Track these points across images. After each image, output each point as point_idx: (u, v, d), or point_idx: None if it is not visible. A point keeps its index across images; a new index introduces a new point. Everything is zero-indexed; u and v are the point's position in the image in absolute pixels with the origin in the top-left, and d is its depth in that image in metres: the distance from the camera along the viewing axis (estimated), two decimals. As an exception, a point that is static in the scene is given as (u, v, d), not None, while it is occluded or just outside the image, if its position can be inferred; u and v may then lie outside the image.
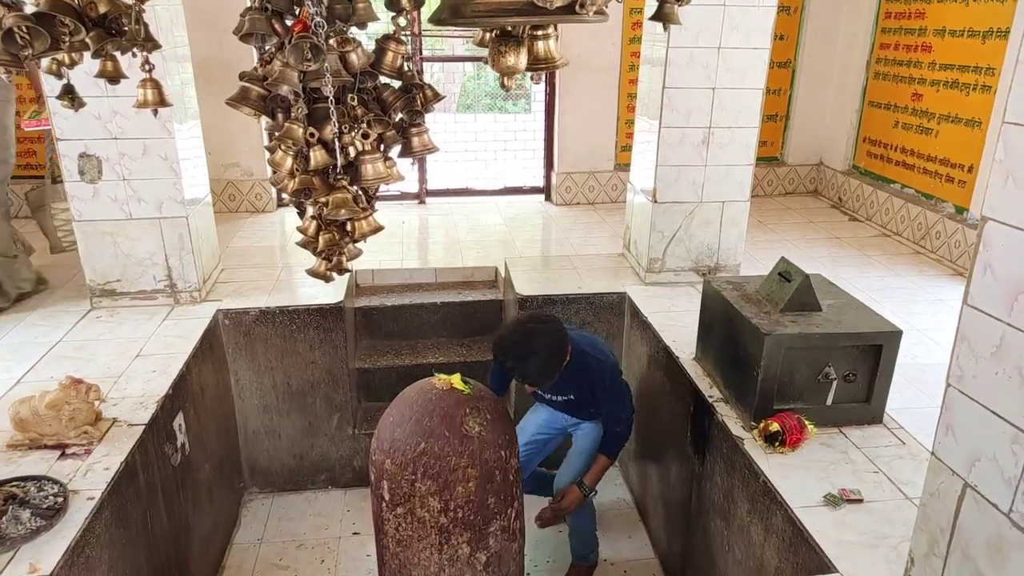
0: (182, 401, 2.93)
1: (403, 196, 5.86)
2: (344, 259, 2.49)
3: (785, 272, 2.68)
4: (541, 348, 2.67)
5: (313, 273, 2.56)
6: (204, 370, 3.24)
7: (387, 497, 2.53)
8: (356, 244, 2.52)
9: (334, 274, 2.57)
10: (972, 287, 1.51)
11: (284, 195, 2.22)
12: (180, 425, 2.88)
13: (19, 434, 2.39)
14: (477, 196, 6.06)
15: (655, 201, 3.71)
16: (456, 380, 2.56)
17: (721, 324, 2.78)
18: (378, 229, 2.41)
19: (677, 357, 3.06)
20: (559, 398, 3.04)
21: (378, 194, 2.48)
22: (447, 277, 4.46)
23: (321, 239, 2.29)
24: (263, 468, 3.83)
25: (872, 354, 2.49)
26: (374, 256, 4.55)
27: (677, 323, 3.38)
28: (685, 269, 3.87)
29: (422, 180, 5.81)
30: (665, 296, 3.71)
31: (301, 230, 2.32)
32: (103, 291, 3.49)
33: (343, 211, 2.15)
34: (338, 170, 2.13)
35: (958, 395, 1.55)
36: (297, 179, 2.13)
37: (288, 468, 3.85)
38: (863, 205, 5.38)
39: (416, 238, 5.06)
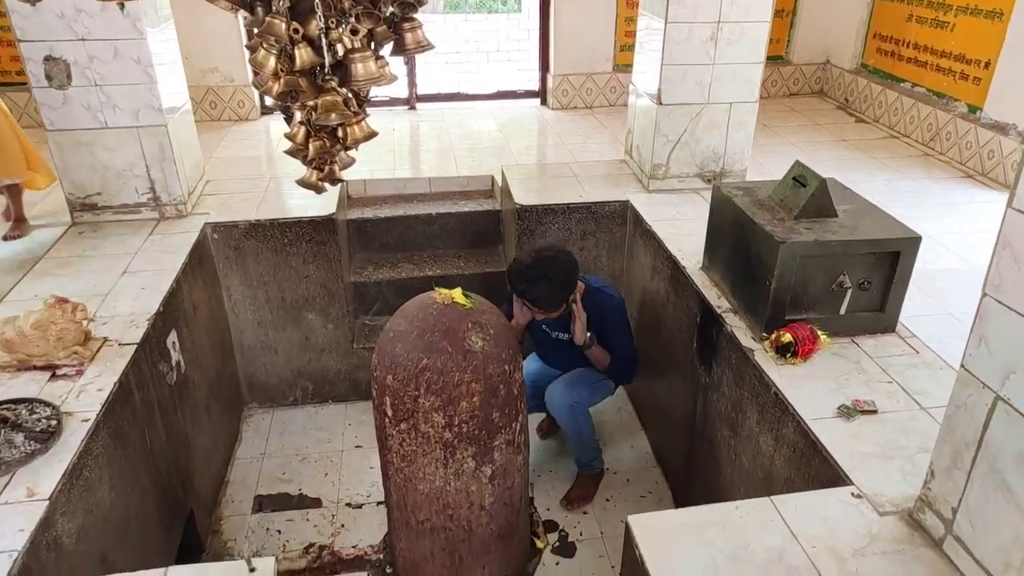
0: (174, 319, 2.84)
1: (392, 102, 5.61)
2: (337, 168, 2.35)
3: (800, 176, 2.55)
4: (554, 274, 2.68)
5: (304, 184, 2.41)
6: (195, 286, 3.14)
7: (390, 413, 2.48)
8: (349, 152, 2.37)
9: (326, 184, 2.43)
10: (1019, 190, 1.40)
11: (268, 99, 2.06)
12: (174, 343, 2.80)
13: (6, 355, 2.30)
14: (469, 101, 5.81)
15: (659, 103, 3.52)
16: (457, 294, 2.47)
17: (731, 232, 2.68)
18: (372, 135, 2.25)
19: (684, 267, 2.97)
20: (565, 335, 3.00)
21: (369, 98, 2.31)
22: (442, 187, 4.30)
23: (311, 147, 2.14)
24: (261, 383, 3.79)
25: (889, 261, 2.40)
26: (365, 166, 4.37)
27: (682, 231, 3.27)
28: (690, 175, 3.73)
29: (412, 84, 5.55)
30: (670, 203, 3.58)
31: (289, 137, 2.17)
32: (83, 205, 3.33)
33: (333, 115, 1.99)
34: (326, 70, 1.96)
35: (995, 305, 1.47)
36: (282, 80, 1.96)
37: (286, 383, 3.81)
38: (871, 106, 5.19)
39: (408, 146, 4.87)
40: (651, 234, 3.31)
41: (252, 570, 1.62)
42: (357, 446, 3.57)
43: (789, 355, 2.33)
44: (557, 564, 2.94)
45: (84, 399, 2.18)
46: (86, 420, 2.09)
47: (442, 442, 2.48)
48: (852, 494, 1.84)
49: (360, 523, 3.15)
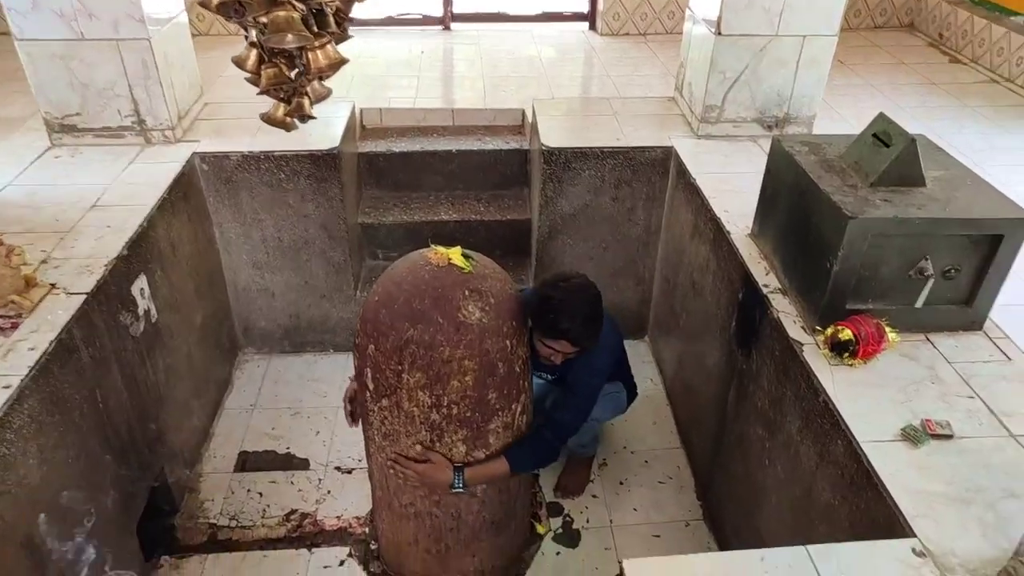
0: (144, 261, 2.53)
1: (425, 21, 5.11)
2: (307, 102, 1.95)
3: (883, 133, 2.05)
4: (594, 308, 2.17)
5: (269, 120, 2.02)
6: (176, 223, 2.82)
7: (371, 387, 2.16)
8: (322, 82, 1.97)
9: (296, 121, 2.04)
10: None
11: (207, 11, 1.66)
12: (142, 290, 2.51)
13: (-65, 301, 2.03)
14: (511, 23, 5.26)
15: (719, 33, 2.98)
16: (455, 255, 2.09)
17: (789, 196, 2.21)
18: (339, 62, 1.83)
19: (728, 232, 2.52)
20: (550, 377, 2.54)
21: (348, 16, 1.88)
22: (466, 120, 3.86)
23: (264, 75, 1.74)
24: (258, 327, 3.51)
25: (986, 245, 1.92)
26: (382, 92, 3.96)
27: (731, 188, 2.79)
28: (747, 120, 3.21)
29: (447, 1, 5.03)
30: (720, 152, 3.09)
31: (237, 62, 1.78)
32: (62, 126, 3.02)
33: (289, 36, 1.59)
34: (282, -26, 1.55)
35: None
36: (220, -16, 1.56)
37: (285, 328, 3.53)
38: (969, 43, 4.48)
39: (438, 72, 4.40)
40: (695, 189, 2.84)
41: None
42: (344, 399, 3.28)
43: (847, 355, 1.89)
44: (558, 554, 2.64)
45: (11, 360, 1.89)
46: (7, 387, 1.80)
47: (428, 423, 2.14)
48: (913, 550, 1.44)
49: (348, 490, 2.89)
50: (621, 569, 1.42)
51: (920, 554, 1.43)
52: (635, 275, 3.45)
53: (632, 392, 2.76)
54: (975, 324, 2.03)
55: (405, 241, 3.57)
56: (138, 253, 2.49)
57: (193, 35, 3.31)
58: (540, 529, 2.71)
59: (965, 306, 2.01)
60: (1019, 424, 1.72)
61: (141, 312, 2.50)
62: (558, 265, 3.39)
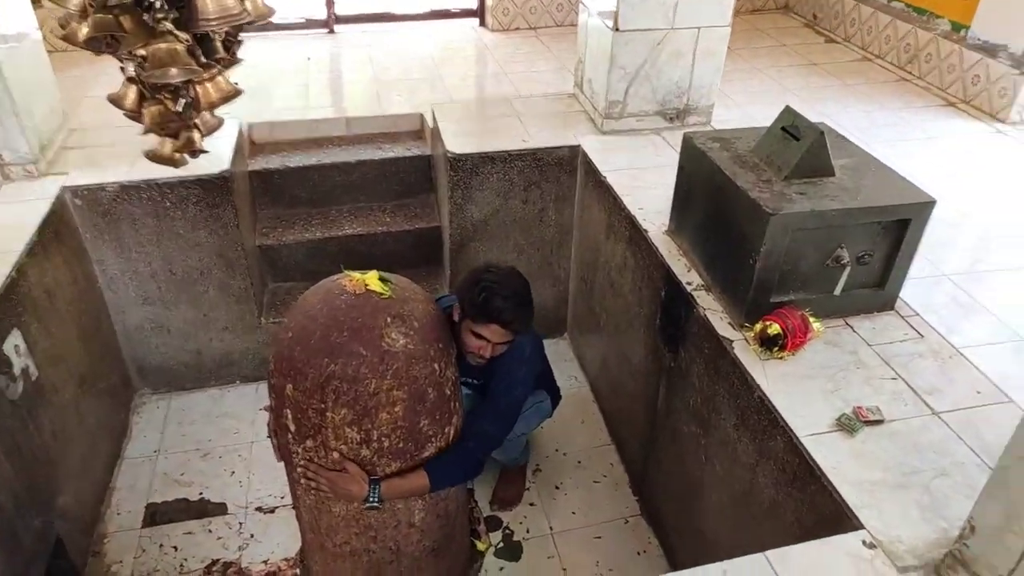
0: (16, 315, 2.26)
1: (308, 24, 4.87)
2: (197, 136, 1.77)
3: (792, 127, 2.08)
4: (531, 299, 2.10)
5: (155, 157, 1.81)
6: (51, 267, 2.54)
7: (293, 428, 2.01)
8: (212, 112, 1.79)
9: (186, 156, 1.85)
10: None
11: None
12: (17, 346, 2.24)
13: None
14: (398, 22, 5.10)
15: (616, 29, 2.97)
16: (372, 280, 1.97)
17: (706, 194, 2.22)
18: (233, 94, 1.67)
19: (645, 231, 2.51)
20: (477, 381, 2.42)
21: (237, 39, 1.72)
22: (363, 127, 3.69)
23: (147, 113, 1.56)
24: (154, 367, 3.24)
25: (895, 230, 1.98)
26: (269, 104, 3.73)
27: (642, 183, 2.79)
28: (650, 113, 3.23)
29: (330, 3, 4.81)
30: (627, 148, 3.09)
31: (114, 100, 1.58)
32: (-102, 161, 2.66)
33: (173, 71, 1.42)
34: (158, 3, 1.39)
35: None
36: (91, 19, 1.38)
37: (184, 364, 3.27)
38: (842, 23, 4.70)
39: (326, 78, 4.19)
40: (606, 187, 2.83)
41: None
42: (268, 436, 3.08)
43: (776, 348, 1.91)
44: (501, 569, 2.58)
45: None
46: None
47: (359, 459, 2.02)
48: (864, 542, 1.46)
49: (273, 531, 2.71)
50: (585, 603, 1.36)
51: (871, 546, 1.45)
52: (551, 276, 3.41)
53: (556, 397, 2.73)
54: (888, 305, 2.10)
55: (308, 260, 3.39)
56: (8, 307, 2.23)
57: (49, 52, 3.00)
58: (481, 546, 2.63)
59: (879, 289, 2.07)
60: (939, 401, 1.79)
61: (18, 372, 2.23)
62: (473, 272, 3.30)
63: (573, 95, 3.58)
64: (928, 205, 1.94)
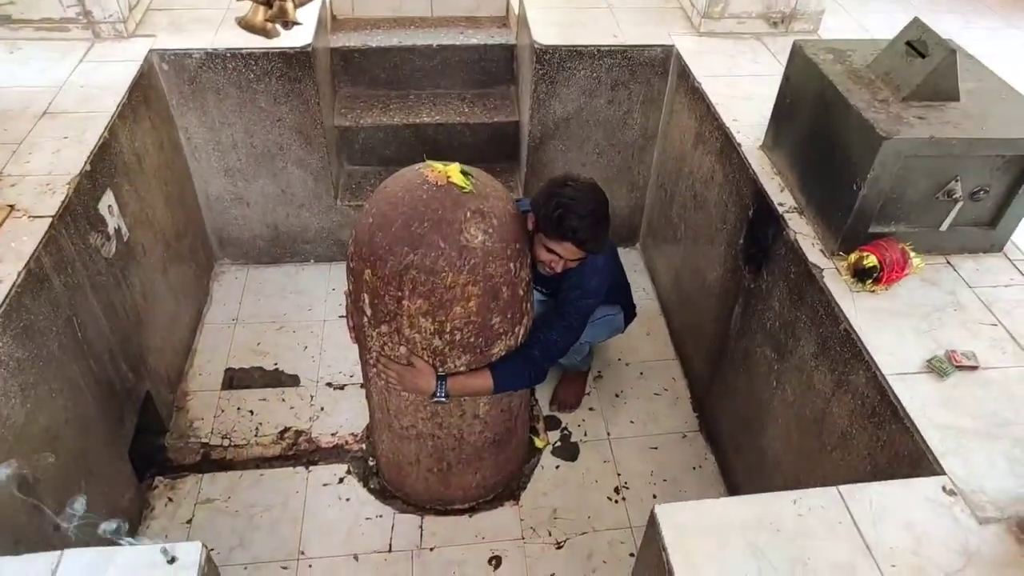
0: (110, 175, 2.32)
1: None
2: (291, 6, 1.71)
3: (919, 42, 1.91)
4: (606, 209, 1.99)
5: (247, 25, 1.78)
6: (140, 130, 2.57)
7: (369, 312, 2.05)
8: (308, -22, 1.72)
9: (279, 27, 1.80)
10: None
11: None
12: (110, 206, 2.31)
13: None
14: None
15: (730, -83, 2.72)
16: (454, 172, 1.93)
17: (811, 109, 2.08)
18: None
19: (739, 144, 2.39)
20: (547, 291, 2.39)
21: None
22: (446, 10, 3.56)
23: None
24: (233, 238, 3.33)
25: (1019, 165, 1.84)
26: (353, -23, 3.60)
27: (739, 92, 2.64)
28: (752, 16, 3.01)
29: None
30: (724, 53, 2.91)
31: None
32: (-3, 17, 2.68)
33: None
34: None
35: None
36: None
37: (262, 238, 3.35)
38: (976, -71, 4.23)
39: (409, -49, 4.00)
40: (699, 93, 2.68)
41: (171, 560, 1.26)
42: (341, 316, 3.18)
43: (870, 281, 1.84)
44: (557, 468, 2.66)
45: (-22, 294, 1.73)
46: (-22, 325, 1.66)
47: (430, 349, 2.06)
48: (944, 488, 1.44)
49: (342, 406, 2.83)
50: (652, 514, 1.39)
51: (951, 492, 1.43)
52: (629, 182, 3.32)
53: (631, 313, 2.70)
54: (997, 246, 1.99)
55: (384, 145, 3.36)
56: (103, 167, 2.27)
57: (139, -92, 2.92)
58: (539, 443, 2.72)
59: (989, 228, 1.95)
60: (1041, 353, 1.71)
61: (111, 231, 2.31)
62: (550, 172, 3.23)
63: (672, -11, 3.35)
64: (1063, 143, 1.78)
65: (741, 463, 2.44)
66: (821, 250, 1.98)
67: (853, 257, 1.86)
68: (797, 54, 2.16)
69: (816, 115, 2.05)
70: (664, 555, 1.32)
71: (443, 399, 2.06)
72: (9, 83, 2.49)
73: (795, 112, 2.18)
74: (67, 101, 2.42)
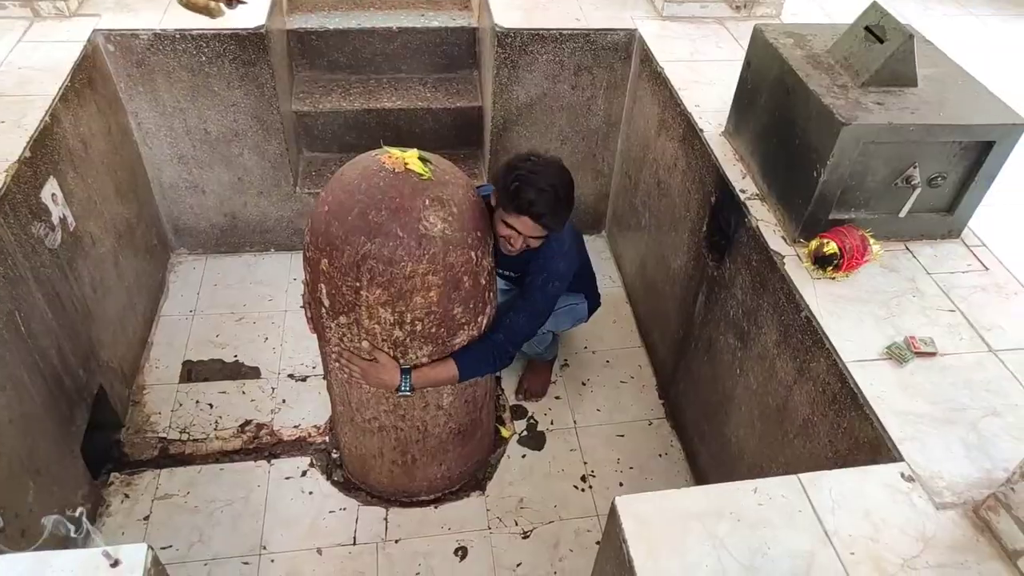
0: (53, 162, 2.23)
1: None
2: (236, -18, 1.64)
3: (877, 27, 1.91)
4: (566, 187, 1.94)
5: (189, 4, 1.71)
6: (85, 115, 2.47)
7: (327, 303, 2.01)
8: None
9: (222, 6, 1.73)
10: None
11: None
12: (54, 195, 2.21)
13: None
14: None
15: (692, -102, 2.70)
16: (412, 159, 1.89)
17: (772, 95, 2.07)
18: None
19: (701, 130, 2.38)
20: (514, 274, 2.34)
21: None
22: (407, -10, 3.48)
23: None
24: (189, 227, 3.24)
25: (976, 152, 1.85)
26: (311, -43, 3.50)
27: (702, 78, 2.62)
28: (714, 0, 2.99)
29: None
30: (687, 37, 2.89)
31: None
32: (-73, -5, 2.55)
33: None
34: None
35: None
36: None
37: (219, 228, 3.26)
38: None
39: (368, -69, 3.91)
40: (662, 79, 2.66)
41: (115, 564, 1.21)
42: (302, 306, 3.11)
43: (830, 268, 1.84)
44: (524, 457, 2.64)
45: (-91, 290, 1.65)
46: (-91, 322, 1.57)
47: (391, 340, 2.02)
48: (902, 475, 1.45)
49: (304, 398, 2.78)
50: (613, 506, 1.37)
51: (909, 479, 1.44)
52: (594, 169, 3.30)
53: (595, 302, 2.68)
54: (954, 232, 2.00)
55: (345, 131, 3.29)
56: (44, 153, 2.18)
57: None
58: (505, 433, 2.70)
59: (946, 214, 1.97)
60: (998, 338, 1.73)
61: (56, 220, 2.22)
62: (513, 157, 3.19)
63: (635, -28, 3.31)
64: (1018, 128, 1.79)
65: (706, 450, 2.45)
66: (783, 237, 1.98)
67: (814, 244, 1.86)
68: (757, 38, 2.15)
69: (777, 101, 2.05)
70: (624, 547, 1.31)
71: (407, 392, 2.03)
72: (-57, 65, 2.38)
73: (756, 98, 2.17)
74: (4, 83, 2.31)
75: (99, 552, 1.21)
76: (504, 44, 2.87)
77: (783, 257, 1.92)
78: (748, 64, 2.22)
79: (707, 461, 2.45)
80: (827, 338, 1.71)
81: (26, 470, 1.96)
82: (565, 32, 2.88)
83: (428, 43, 3.35)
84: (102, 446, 2.50)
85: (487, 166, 3.28)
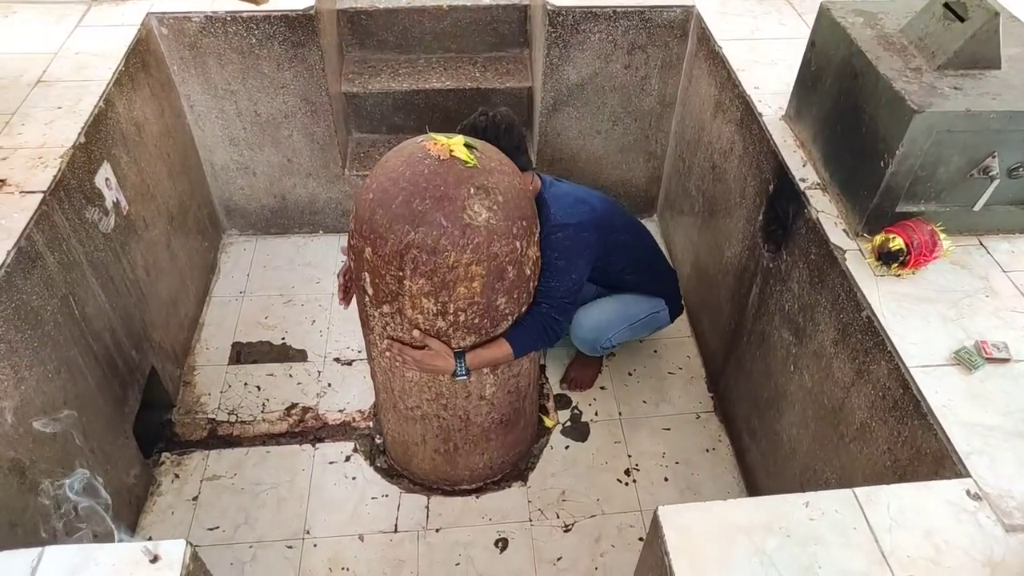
0: (107, 147, 2.26)
1: None
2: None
3: (957, 4, 1.76)
4: (507, 138, 2.00)
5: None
6: (139, 99, 2.50)
7: (370, 292, 1.99)
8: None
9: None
10: None
11: None
12: (107, 180, 2.25)
13: None
14: None
15: None
16: (458, 146, 1.85)
17: (838, 77, 1.94)
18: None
19: (760, 114, 2.26)
20: None
21: None
22: (458, -32, 3.41)
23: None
24: (240, 208, 3.27)
25: (1062, 141, 1.70)
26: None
27: (762, 58, 2.49)
28: (779, -27, 2.84)
29: None
30: (748, 13, 2.75)
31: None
32: (-9, -20, 2.60)
33: None
34: None
35: None
36: None
37: (269, 209, 3.29)
38: None
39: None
40: (720, 59, 2.54)
41: (154, 559, 1.22)
42: (337, 274, 3.12)
43: (895, 264, 1.73)
44: (567, 448, 2.60)
45: (-34, 275, 1.69)
46: (-35, 308, 1.61)
47: (433, 331, 1.99)
48: (968, 492, 1.35)
49: (349, 382, 2.79)
50: (656, 515, 1.32)
51: (975, 497, 1.34)
52: (646, 151, 3.20)
53: (677, 306, 2.62)
54: (1033, 227, 1.86)
55: (394, 112, 3.26)
56: (98, 138, 2.21)
57: None
58: (548, 423, 2.66)
59: (1025, 207, 1.83)
60: (1080, 345, 1.60)
61: (109, 205, 2.25)
62: (563, 140, 3.12)
63: (694, -55, 3.17)
64: (1114, 116, 1.64)
65: (756, 447, 2.37)
66: (844, 230, 1.87)
67: (878, 239, 1.75)
68: (824, 16, 2.02)
69: (843, 84, 1.92)
70: (667, 559, 1.26)
71: (464, 376, 2.02)
72: (3, 50, 2.42)
73: (820, 80, 2.04)
74: (62, 69, 2.35)
75: (139, 547, 1.22)
76: (555, 23, 2.78)
77: (844, 251, 1.81)
78: (812, 44, 2.09)
79: (756, 458, 2.37)
80: (889, 340, 1.61)
81: (80, 450, 2.01)
82: (619, 9, 2.78)
83: (478, 21, 3.28)
84: (154, 426, 2.57)
85: (536, 147, 3.21)
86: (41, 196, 1.90)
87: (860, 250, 1.80)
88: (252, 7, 1.97)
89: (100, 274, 2.18)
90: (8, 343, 1.72)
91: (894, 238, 1.71)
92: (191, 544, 1.26)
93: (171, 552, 1.23)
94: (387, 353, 2.07)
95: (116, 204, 2.30)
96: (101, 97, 2.25)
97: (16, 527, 1.70)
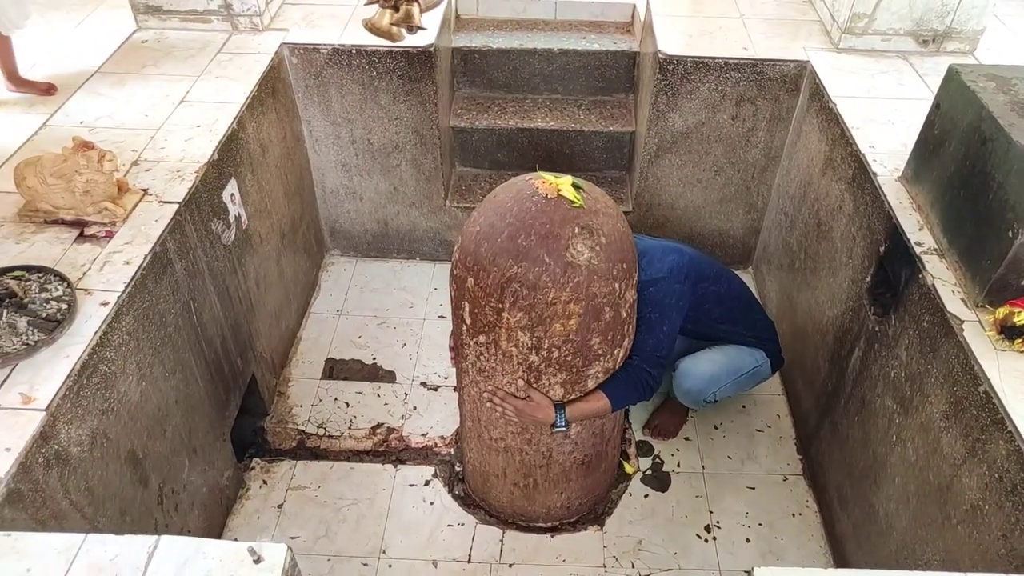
0: (235, 165, 2.41)
1: None
2: (416, 11, 1.71)
3: (1102, 75, 1.69)
4: None
5: (373, 28, 1.79)
6: (266, 121, 2.67)
7: (468, 321, 2.04)
8: (437, -15, 1.71)
9: (403, 31, 1.81)
10: None
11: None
12: (233, 195, 2.40)
13: (30, 204, 1.96)
14: None
15: (884, -74, 2.53)
16: (566, 185, 1.89)
17: (964, 142, 1.89)
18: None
19: (875, 173, 2.21)
20: None
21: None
22: (570, 13, 3.51)
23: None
24: (344, 231, 3.41)
25: None
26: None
27: (878, 117, 2.45)
28: (900, 33, 2.79)
29: None
30: (865, 72, 2.71)
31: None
32: (147, 7, 2.84)
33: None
34: None
35: None
36: None
37: (372, 233, 3.41)
38: None
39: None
40: (833, 115, 2.51)
41: (258, 560, 1.28)
42: (440, 316, 3.20)
43: (1019, 340, 1.65)
44: (646, 497, 2.56)
45: (108, 273, 1.82)
46: (105, 304, 1.75)
47: (526, 365, 2.02)
48: (1093, 591, 1.26)
49: (433, 407, 2.84)
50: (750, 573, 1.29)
51: (1103, 597, 1.25)
52: (747, 202, 3.16)
53: (778, 359, 2.57)
54: None
55: (497, 148, 3.35)
56: (229, 156, 2.36)
57: (283, -93, 3.03)
58: (629, 469, 2.63)
59: None
60: None
61: (232, 219, 2.40)
62: (663, 186, 3.13)
63: (808, 0, 3.16)
64: None
65: (847, 518, 2.27)
66: (962, 299, 1.80)
67: (1001, 312, 1.68)
68: (952, 80, 1.97)
69: (969, 149, 1.86)
70: (759, 627, 1.22)
71: (563, 428, 2.05)
72: (155, 71, 2.64)
73: (944, 143, 1.99)
74: (202, 91, 2.53)
75: (246, 547, 1.28)
76: (666, 71, 2.81)
77: (962, 322, 1.74)
78: (937, 106, 2.04)
79: (847, 529, 2.27)
80: (1010, 419, 1.53)
81: (185, 448, 2.12)
82: (731, 61, 2.79)
83: (587, 65, 3.35)
84: (247, 432, 2.68)
85: (633, 193, 3.23)
86: (176, 207, 2.05)
87: (980, 321, 1.73)
88: (387, 42, 2.09)
89: (218, 283, 2.32)
90: (137, 340, 1.85)
91: (1020, 312, 1.64)
92: (291, 550, 1.31)
93: (274, 555, 1.29)
94: (491, 402, 2.10)
95: (238, 219, 2.44)
96: (235, 118, 2.41)
97: (125, 515, 1.80)
